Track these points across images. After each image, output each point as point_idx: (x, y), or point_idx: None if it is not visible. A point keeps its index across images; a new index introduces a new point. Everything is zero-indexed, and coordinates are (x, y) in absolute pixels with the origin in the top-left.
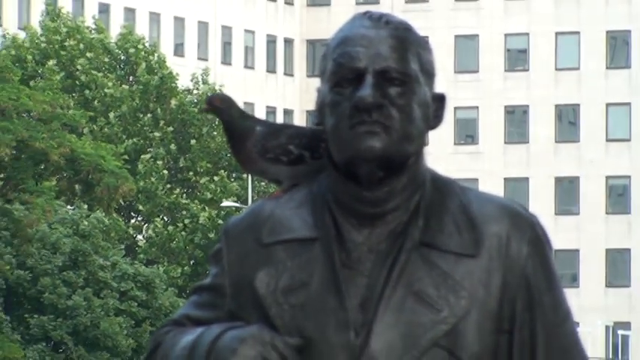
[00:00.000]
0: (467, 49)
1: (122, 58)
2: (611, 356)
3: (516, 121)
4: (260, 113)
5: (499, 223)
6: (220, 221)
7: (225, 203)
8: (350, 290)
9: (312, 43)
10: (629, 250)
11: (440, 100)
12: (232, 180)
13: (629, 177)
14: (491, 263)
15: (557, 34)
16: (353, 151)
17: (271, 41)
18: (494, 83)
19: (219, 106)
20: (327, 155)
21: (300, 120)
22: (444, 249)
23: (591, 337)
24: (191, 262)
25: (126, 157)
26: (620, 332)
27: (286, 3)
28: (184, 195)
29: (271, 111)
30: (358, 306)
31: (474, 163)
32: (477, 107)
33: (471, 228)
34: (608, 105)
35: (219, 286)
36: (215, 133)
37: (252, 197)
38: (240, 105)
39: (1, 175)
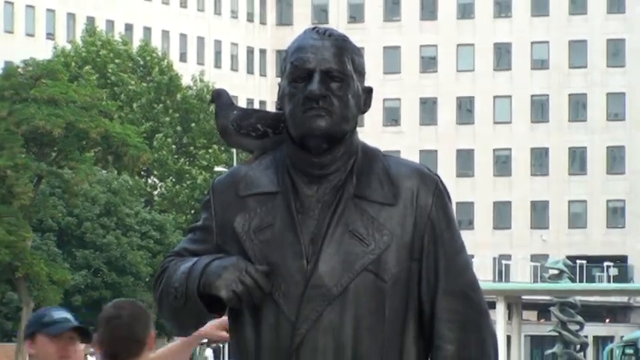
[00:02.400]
0: (392, 56)
1: (141, 63)
2: (496, 279)
3: (428, 109)
4: (242, 104)
5: (411, 180)
6: (214, 178)
7: (217, 169)
8: (303, 229)
9: (280, 52)
10: (510, 202)
11: (368, 92)
12: (222, 152)
13: (510, 149)
14: (406, 210)
15: (458, 45)
16: (305, 129)
17: (250, 51)
18: (412, 81)
19: (217, 98)
20: (286, 132)
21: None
22: (371, 199)
23: (482, 266)
24: (192, 212)
25: (144, 135)
26: (503, 262)
27: (261, 23)
28: (187, 163)
29: (250, 102)
30: (309, 241)
31: (397, 139)
32: (400, 99)
33: (391, 184)
34: (495, 97)
35: (208, 227)
36: (209, 118)
37: (239, 157)
38: (233, 96)
39: (55, 148)
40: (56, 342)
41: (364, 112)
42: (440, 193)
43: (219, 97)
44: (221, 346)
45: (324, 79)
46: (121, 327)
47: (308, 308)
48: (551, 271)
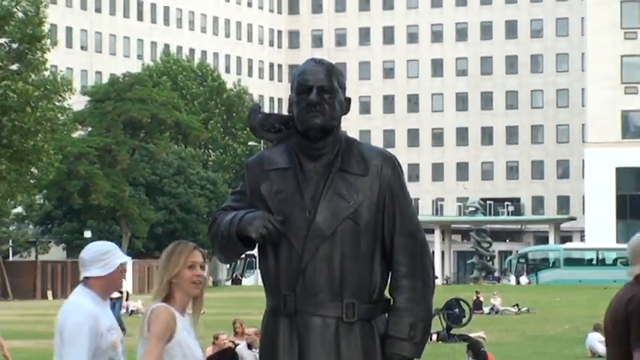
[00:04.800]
0: (365, 68)
1: (200, 74)
2: (434, 214)
3: (388, 103)
4: (266, 101)
5: (377, 159)
6: (247, 153)
7: (250, 143)
8: (305, 192)
9: (291, 67)
10: (442, 163)
11: (348, 101)
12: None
13: (442, 128)
14: (373, 178)
15: (407, 61)
16: (307, 125)
17: (271, 65)
18: (378, 84)
19: (251, 111)
20: (294, 127)
21: (284, 106)
22: (351, 172)
23: (425, 205)
24: (234, 172)
25: (202, 121)
26: (438, 202)
27: (278, 47)
28: (230, 140)
29: (271, 99)
30: (310, 200)
31: (369, 123)
32: (370, 96)
33: (363, 161)
34: (432, 94)
35: (243, 192)
36: (245, 110)
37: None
38: (259, 96)
39: (143, 131)
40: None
41: (345, 113)
42: (395, 167)
43: (254, 109)
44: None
45: (319, 92)
46: None
47: (310, 244)
48: (470, 208)
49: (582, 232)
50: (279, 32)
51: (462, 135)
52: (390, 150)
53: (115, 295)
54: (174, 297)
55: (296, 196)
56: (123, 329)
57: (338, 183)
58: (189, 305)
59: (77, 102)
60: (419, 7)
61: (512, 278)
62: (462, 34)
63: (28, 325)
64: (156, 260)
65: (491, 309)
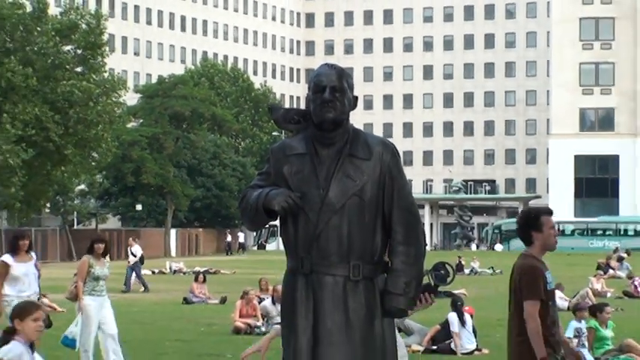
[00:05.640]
0: (368, 73)
1: (232, 76)
2: (424, 192)
3: (388, 101)
4: (287, 99)
5: (379, 146)
6: (271, 141)
7: (274, 133)
8: (320, 174)
9: (307, 70)
10: (432, 150)
11: (355, 98)
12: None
13: (432, 122)
14: (376, 162)
15: (404, 67)
16: (321, 118)
17: (291, 69)
18: (379, 86)
19: (272, 108)
20: (311, 120)
21: (302, 103)
22: (357, 157)
23: (417, 185)
24: (260, 157)
25: (234, 115)
26: (428, 183)
27: (297, 54)
28: (257, 130)
29: (291, 97)
30: (323, 179)
31: (371, 117)
32: (372, 95)
33: (368, 148)
34: (424, 94)
35: (268, 172)
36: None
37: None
38: (281, 95)
39: (185, 122)
40: None
41: (353, 109)
42: (394, 153)
43: (273, 107)
44: (276, 236)
45: (332, 91)
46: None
47: (323, 216)
48: (454, 188)
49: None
50: (298, 42)
51: (448, 128)
52: (388, 139)
53: (132, 260)
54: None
55: (312, 177)
56: (145, 287)
57: (347, 166)
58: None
59: (130, 98)
60: (413, 22)
61: (483, 247)
62: (448, 44)
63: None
64: (195, 229)
65: (471, 271)
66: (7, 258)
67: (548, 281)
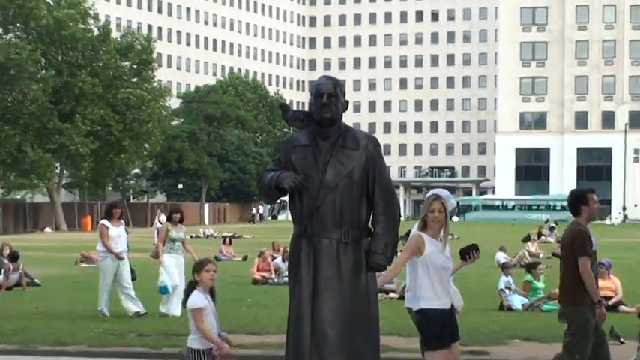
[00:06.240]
0: (357, 85)
1: (252, 86)
2: (399, 177)
3: (372, 105)
4: (294, 103)
5: (365, 140)
6: (283, 136)
7: (284, 130)
8: (319, 160)
9: (310, 82)
10: (406, 144)
11: (346, 103)
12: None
13: (406, 122)
14: (362, 152)
15: (386, 79)
16: (321, 117)
17: (297, 80)
18: (365, 94)
19: (285, 108)
20: (312, 119)
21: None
22: (348, 148)
23: (393, 172)
24: (273, 148)
25: (253, 115)
26: (402, 169)
27: (302, 69)
28: (272, 127)
29: (297, 102)
30: (322, 165)
31: (358, 118)
32: (360, 100)
33: (356, 141)
34: (400, 100)
35: (279, 160)
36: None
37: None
38: (290, 100)
39: (217, 121)
40: None
41: (345, 111)
42: (376, 145)
43: (284, 107)
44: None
45: (329, 97)
46: None
47: (321, 193)
48: (423, 173)
49: (493, 188)
50: (303, 60)
51: (418, 127)
52: (372, 134)
53: (159, 225)
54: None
55: (313, 163)
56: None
57: (339, 155)
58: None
59: (174, 103)
60: (392, 45)
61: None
62: (419, 62)
63: (143, 244)
64: (223, 203)
65: None
66: (105, 222)
67: (594, 243)
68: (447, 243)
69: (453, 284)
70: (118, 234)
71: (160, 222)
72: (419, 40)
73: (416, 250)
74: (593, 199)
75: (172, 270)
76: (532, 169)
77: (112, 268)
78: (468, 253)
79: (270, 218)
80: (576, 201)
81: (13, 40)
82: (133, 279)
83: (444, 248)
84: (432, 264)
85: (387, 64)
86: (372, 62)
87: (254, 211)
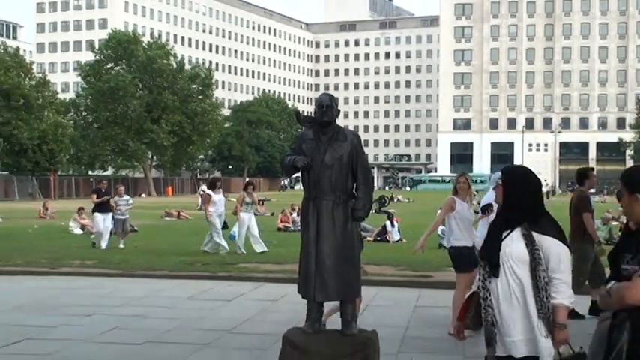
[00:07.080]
0: (347, 96)
1: (277, 101)
2: (374, 161)
3: (356, 111)
4: (305, 112)
5: (350, 135)
6: (297, 134)
7: (299, 130)
8: (320, 148)
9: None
10: (378, 140)
11: (338, 111)
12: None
13: (378, 125)
14: (349, 143)
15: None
16: (321, 120)
17: (306, 97)
18: (354, 106)
19: (299, 115)
20: (316, 122)
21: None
22: (340, 140)
23: (369, 158)
24: (292, 141)
25: (278, 121)
26: (377, 156)
27: (309, 89)
28: (290, 128)
29: (308, 112)
30: (323, 152)
31: (348, 122)
32: (348, 110)
33: (345, 136)
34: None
35: (296, 148)
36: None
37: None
38: (302, 110)
39: (254, 124)
40: None
41: (337, 117)
42: (359, 139)
43: (298, 114)
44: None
45: (327, 107)
46: None
47: (321, 170)
48: (389, 159)
49: (436, 169)
50: (310, 84)
51: (387, 129)
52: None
53: (203, 193)
54: None
55: (316, 150)
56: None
57: (334, 145)
58: None
59: (226, 112)
60: (370, 74)
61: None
62: (387, 85)
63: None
64: (258, 178)
65: (397, 200)
66: (209, 191)
67: (592, 203)
68: (471, 203)
69: (473, 230)
70: (219, 199)
71: (202, 191)
72: (387, 71)
73: (449, 208)
74: (593, 174)
75: (244, 223)
76: (461, 156)
77: (219, 220)
78: (486, 209)
79: (289, 188)
80: (581, 175)
81: (120, 71)
82: (225, 227)
83: (469, 206)
84: (460, 217)
85: (366, 86)
86: (357, 85)
87: (282, 183)
